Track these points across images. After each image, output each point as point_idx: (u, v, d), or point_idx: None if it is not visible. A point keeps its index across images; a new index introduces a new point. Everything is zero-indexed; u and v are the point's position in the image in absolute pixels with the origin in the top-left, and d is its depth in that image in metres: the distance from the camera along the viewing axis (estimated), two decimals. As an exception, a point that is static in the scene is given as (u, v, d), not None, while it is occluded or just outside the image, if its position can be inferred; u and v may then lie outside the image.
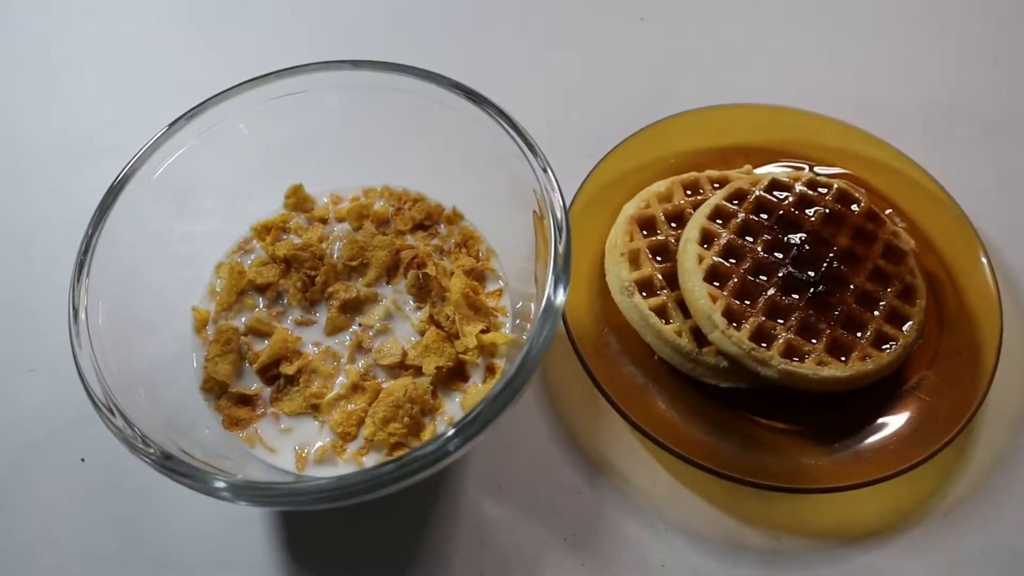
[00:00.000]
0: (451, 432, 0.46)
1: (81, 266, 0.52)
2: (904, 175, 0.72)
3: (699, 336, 0.63)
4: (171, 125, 0.58)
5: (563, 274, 0.50)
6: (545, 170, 0.54)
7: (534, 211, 0.56)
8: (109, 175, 0.57)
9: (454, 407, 0.57)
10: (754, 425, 0.62)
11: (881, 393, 0.63)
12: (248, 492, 0.45)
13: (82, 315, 0.51)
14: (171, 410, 0.55)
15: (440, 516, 0.60)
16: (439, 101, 0.60)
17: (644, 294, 0.65)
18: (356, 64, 0.60)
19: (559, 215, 0.53)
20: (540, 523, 0.60)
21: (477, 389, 0.57)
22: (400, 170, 0.66)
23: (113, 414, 0.48)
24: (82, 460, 0.63)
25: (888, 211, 0.71)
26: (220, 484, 0.45)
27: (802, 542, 0.60)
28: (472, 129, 0.58)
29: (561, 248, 0.51)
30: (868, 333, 0.62)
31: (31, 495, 0.62)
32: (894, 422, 0.62)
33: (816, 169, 0.73)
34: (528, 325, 0.54)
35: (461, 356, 0.58)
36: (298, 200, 0.65)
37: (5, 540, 0.60)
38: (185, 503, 0.59)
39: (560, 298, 0.50)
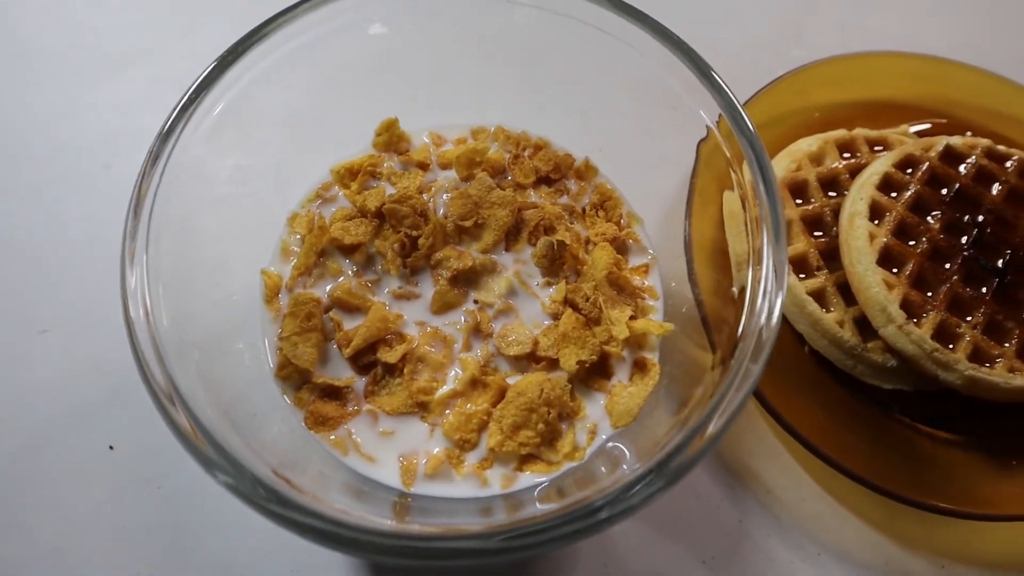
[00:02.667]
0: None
1: (136, 213, 0.37)
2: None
3: (864, 328, 0.50)
4: (244, 37, 0.42)
5: (784, 231, 0.37)
6: (732, 104, 0.40)
7: (700, 141, 0.42)
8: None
9: (597, 411, 0.43)
10: (917, 434, 0.51)
11: (1056, 401, 0.52)
12: (389, 545, 0.31)
13: (132, 277, 0.36)
14: (237, 398, 0.40)
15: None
16: (566, 14, 0.44)
17: (801, 276, 0.51)
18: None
19: (756, 144, 0.39)
20: (673, 543, 0.48)
21: (629, 390, 0.43)
22: (518, 107, 0.50)
23: (174, 404, 0.34)
24: (110, 448, 0.48)
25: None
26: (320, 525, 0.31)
27: (971, 572, 0.49)
28: (614, 51, 0.43)
29: (769, 203, 0.38)
30: (1060, 335, 0.50)
31: (45, 491, 0.47)
32: (1072, 436, 0.51)
33: (968, 135, 0.60)
34: (744, 308, 0.38)
35: (605, 348, 0.44)
36: (391, 138, 0.49)
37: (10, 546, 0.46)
38: (221, 499, 0.45)
39: (778, 315, 0.36)
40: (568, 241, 0.46)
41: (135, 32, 0.64)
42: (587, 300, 0.45)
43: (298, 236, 0.46)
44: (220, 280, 0.44)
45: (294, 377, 0.43)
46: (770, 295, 0.36)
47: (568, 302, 0.45)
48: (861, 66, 0.60)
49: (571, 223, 0.48)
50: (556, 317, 0.45)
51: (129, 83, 0.60)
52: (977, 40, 0.69)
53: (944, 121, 0.61)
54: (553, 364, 0.44)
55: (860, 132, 0.57)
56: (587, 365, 0.43)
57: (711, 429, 0.34)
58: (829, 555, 0.48)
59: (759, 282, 0.37)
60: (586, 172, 0.49)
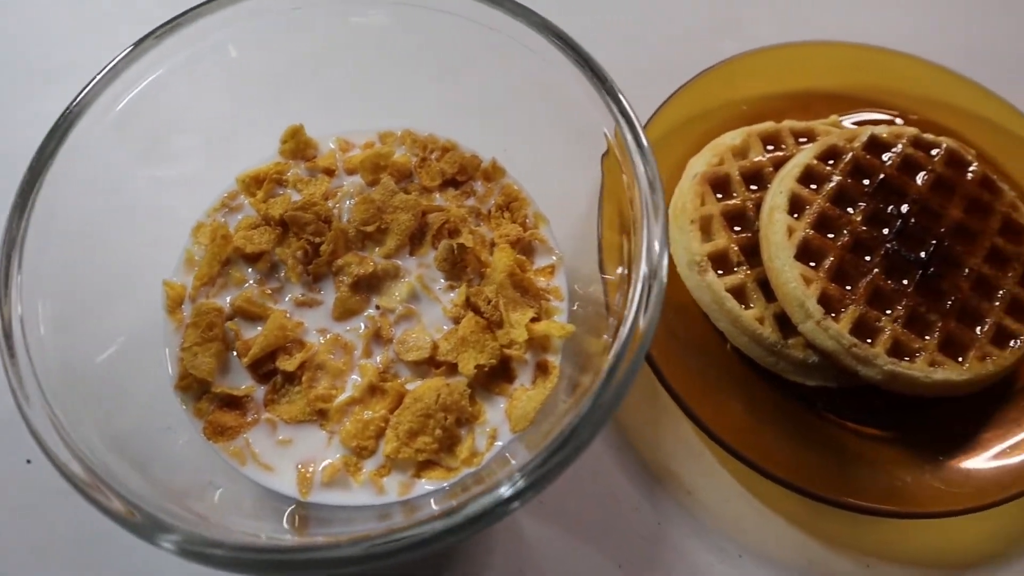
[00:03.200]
0: (519, 484, 0.32)
1: (18, 221, 0.37)
2: (1014, 135, 0.58)
3: (784, 324, 0.49)
4: (138, 44, 0.42)
5: (666, 235, 0.36)
6: (621, 107, 0.39)
7: (603, 154, 0.41)
8: (60, 103, 0.40)
9: (497, 415, 0.43)
10: (842, 431, 0.50)
11: (989, 395, 0.50)
12: (245, 560, 0.31)
13: (13, 286, 0.36)
14: (132, 416, 0.40)
15: (471, 539, 0.47)
16: (474, 19, 0.44)
17: (719, 272, 0.50)
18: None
19: (647, 157, 0.38)
20: (590, 546, 0.47)
21: (527, 393, 0.43)
22: (425, 110, 0.49)
23: (64, 447, 0.34)
24: (28, 462, 0.49)
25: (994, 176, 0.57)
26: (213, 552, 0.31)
27: (898, 571, 0.48)
28: (519, 56, 0.43)
29: (659, 200, 0.37)
30: (986, 327, 0.49)
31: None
32: (1006, 430, 0.49)
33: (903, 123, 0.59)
34: (600, 314, 0.40)
35: (506, 351, 0.43)
36: (297, 145, 0.49)
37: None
38: None
39: (665, 269, 0.36)
40: (471, 244, 0.45)
41: (62, 46, 0.64)
42: (489, 303, 0.44)
43: (200, 247, 0.46)
44: (121, 292, 0.44)
45: (194, 388, 0.43)
46: (656, 247, 0.36)
47: (470, 305, 0.44)
48: (792, 56, 0.59)
49: (476, 225, 0.47)
50: (458, 321, 0.44)
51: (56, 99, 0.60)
52: (915, 28, 0.67)
53: (891, 112, 0.60)
54: (453, 369, 0.43)
55: (787, 124, 0.56)
56: (486, 369, 0.43)
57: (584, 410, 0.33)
58: (750, 556, 0.48)
59: (641, 244, 0.36)
60: (493, 173, 0.49)
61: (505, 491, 0.32)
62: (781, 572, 0.47)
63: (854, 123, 0.59)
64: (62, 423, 0.34)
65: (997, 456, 0.48)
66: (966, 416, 0.50)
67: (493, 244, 0.46)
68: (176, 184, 0.47)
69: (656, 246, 0.36)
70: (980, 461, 0.48)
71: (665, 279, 0.35)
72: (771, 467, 0.46)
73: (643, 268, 0.36)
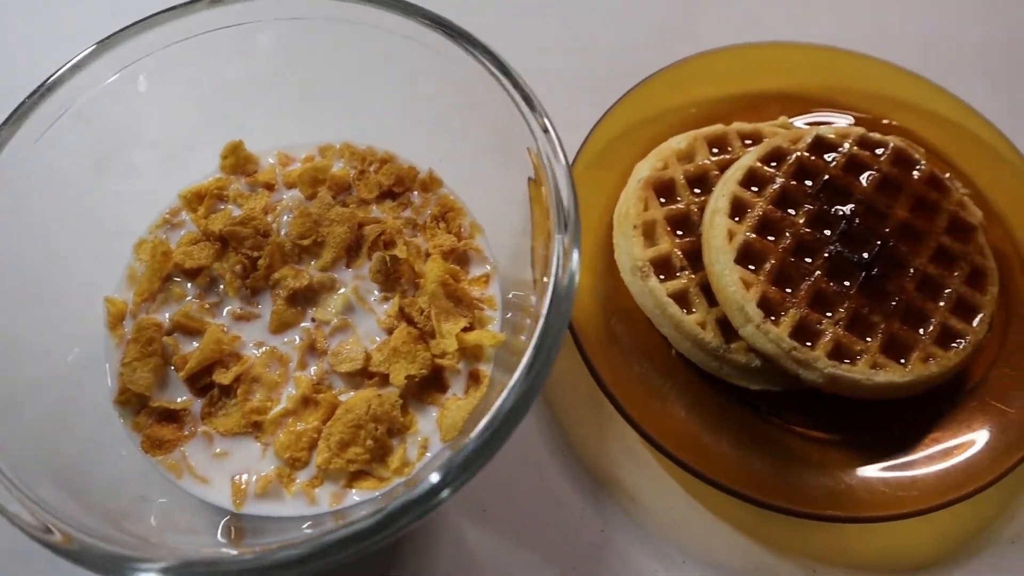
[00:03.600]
0: (435, 483, 0.33)
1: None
2: (966, 129, 0.57)
3: (727, 329, 0.49)
4: (81, 57, 0.43)
5: (574, 248, 0.37)
6: (545, 128, 0.40)
7: (530, 177, 0.41)
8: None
9: (429, 424, 0.43)
10: (788, 435, 0.49)
11: (937, 395, 0.50)
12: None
13: None
14: (72, 432, 0.41)
15: (414, 544, 0.48)
16: (412, 38, 0.44)
17: (661, 276, 0.51)
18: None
19: (562, 177, 0.38)
20: (533, 553, 0.48)
21: (458, 402, 0.43)
22: (365, 123, 0.50)
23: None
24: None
25: (947, 174, 0.57)
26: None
27: (844, 575, 0.48)
28: (452, 74, 0.43)
29: (571, 217, 0.37)
30: (931, 328, 0.48)
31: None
32: (954, 432, 0.49)
33: (862, 123, 0.59)
34: (527, 320, 0.40)
35: (438, 361, 0.44)
36: (237, 161, 0.50)
37: None
38: None
39: (572, 281, 0.36)
40: (405, 255, 0.46)
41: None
42: (422, 313, 0.45)
43: (141, 263, 0.47)
44: (63, 310, 0.45)
45: (133, 402, 0.44)
46: (561, 255, 0.37)
47: (404, 316, 0.45)
48: (742, 58, 0.59)
49: (413, 236, 0.48)
50: (391, 332, 0.45)
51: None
52: (868, 27, 0.67)
53: (844, 112, 0.59)
54: (386, 379, 0.44)
55: (735, 126, 0.56)
56: (417, 379, 0.43)
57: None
58: (695, 563, 0.48)
59: (552, 252, 0.37)
60: (430, 184, 0.49)
61: (420, 489, 0.33)
62: (725, 578, 0.47)
63: (807, 123, 0.59)
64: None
65: (944, 458, 0.48)
66: (914, 418, 0.50)
67: (428, 254, 0.47)
68: (120, 201, 0.48)
69: (561, 254, 0.36)
70: (927, 463, 0.48)
71: (572, 286, 0.36)
72: (714, 474, 0.46)
73: (552, 275, 0.36)
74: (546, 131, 0.40)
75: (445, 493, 0.33)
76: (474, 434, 0.34)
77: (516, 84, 0.41)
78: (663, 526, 0.48)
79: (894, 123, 0.58)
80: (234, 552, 0.40)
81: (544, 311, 0.36)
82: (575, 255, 0.37)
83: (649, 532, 0.48)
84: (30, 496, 0.35)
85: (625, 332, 0.51)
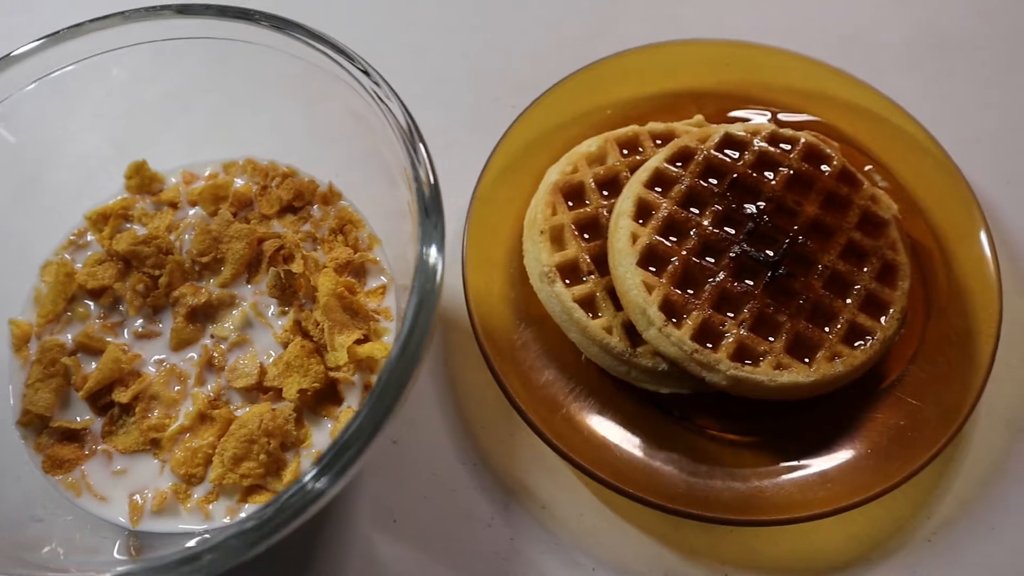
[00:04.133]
0: (306, 480, 0.34)
1: None
2: (886, 122, 0.57)
3: (633, 333, 0.49)
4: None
5: (433, 248, 0.38)
6: (405, 139, 0.40)
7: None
8: None
9: (324, 438, 0.44)
10: (700, 438, 0.49)
11: (854, 394, 0.50)
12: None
13: None
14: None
15: (324, 556, 0.48)
16: (298, 55, 0.45)
17: (567, 281, 0.51)
18: (183, 10, 0.45)
19: (424, 185, 0.40)
20: (443, 563, 0.48)
21: (351, 414, 0.44)
22: (266, 139, 0.51)
23: None
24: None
25: (867, 167, 0.56)
26: None
27: (756, 579, 0.48)
28: (339, 92, 0.44)
29: (428, 190, 0.39)
30: (838, 326, 0.48)
31: None
32: (869, 429, 0.49)
33: (783, 117, 0.58)
34: None
35: (332, 374, 0.44)
36: (142, 180, 0.51)
37: None
38: None
39: (434, 280, 0.38)
40: (301, 269, 0.47)
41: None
42: (317, 326, 0.45)
43: (46, 285, 0.48)
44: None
45: (35, 423, 0.45)
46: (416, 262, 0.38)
47: (300, 330, 0.46)
48: (660, 56, 0.59)
49: (313, 249, 0.49)
50: (287, 346, 0.45)
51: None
52: (790, 22, 0.67)
53: (765, 108, 0.59)
54: (279, 394, 0.45)
55: (648, 127, 0.56)
56: (310, 393, 0.44)
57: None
58: (605, 569, 0.48)
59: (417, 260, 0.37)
60: (331, 198, 0.50)
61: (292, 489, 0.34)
62: (635, 584, 0.47)
63: (732, 121, 0.58)
64: None
65: (856, 458, 0.48)
66: (830, 417, 0.49)
67: (324, 268, 0.48)
68: (27, 223, 0.49)
69: (416, 261, 0.37)
70: (839, 463, 0.48)
71: (431, 293, 0.37)
72: (623, 482, 0.46)
73: (415, 282, 0.37)
74: (409, 143, 0.40)
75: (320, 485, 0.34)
76: (338, 436, 0.35)
77: (381, 98, 0.42)
78: (574, 533, 0.49)
79: (816, 118, 0.58)
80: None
81: (409, 317, 0.37)
82: (437, 261, 0.38)
83: (560, 540, 0.48)
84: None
85: (535, 339, 0.51)
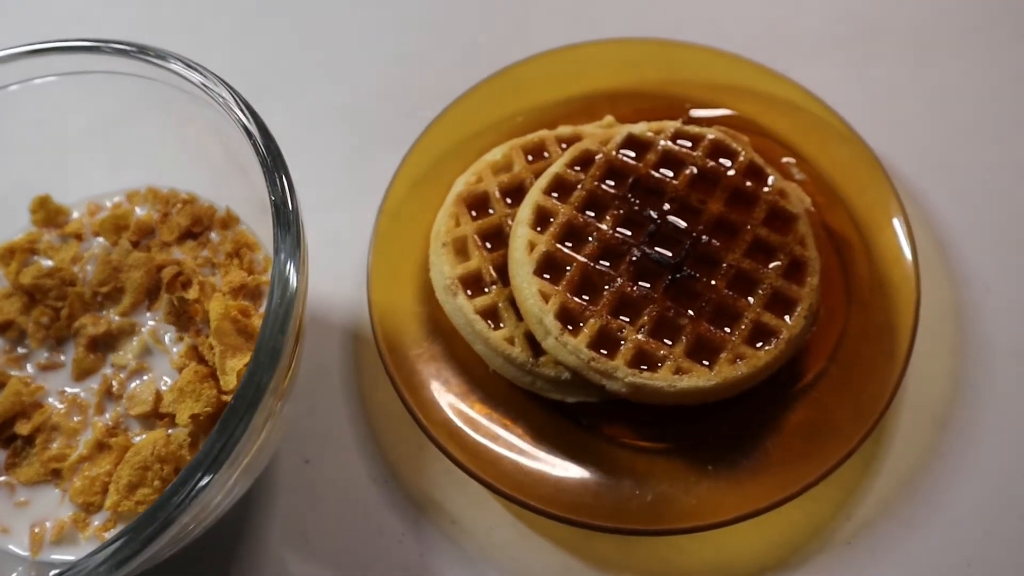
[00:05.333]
0: (168, 499, 0.36)
1: None
2: (805, 112, 0.57)
3: (536, 343, 0.50)
4: None
5: (286, 241, 0.40)
6: (262, 158, 0.42)
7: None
8: None
9: (219, 462, 0.46)
10: (612, 447, 0.50)
11: (768, 396, 0.50)
12: None
13: None
14: None
15: (237, 574, 0.50)
16: (175, 86, 0.47)
17: (469, 293, 0.52)
18: (74, 49, 0.47)
19: (281, 207, 0.41)
20: (354, 581, 0.49)
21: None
22: (166, 168, 0.53)
23: None
24: None
25: (786, 160, 0.56)
26: None
27: (670, 588, 0.48)
28: (210, 114, 0.46)
29: (282, 203, 0.41)
30: (742, 326, 0.48)
31: None
32: (784, 431, 0.49)
33: (698, 114, 0.58)
34: None
35: (224, 398, 0.46)
36: (48, 214, 0.53)
37: None
38: None
39: (286, 293, 0.39)
40: (197, 294, 0.48)
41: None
42: (212, 351, 0.47)
43: (-48, 321, 0.51)
44: None
45: (-61, 457, 0.47)
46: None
47: (196, 355, 0.47)
48: (571, 58, 0.60)
49: (211, 274, 0.50)
50: (182, 371, 0.47)
51: None
52: (707, 17, 0.67)
53: (691, 106, 0.59)
54: (174, 419, 0.46)
55: (556, 132, 0.56)
56: (202, 417, 0.45)
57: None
58: (515, 583, 0.49)
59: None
60: (229, 222, 0.52)
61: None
62: (546, 597, 0.48)
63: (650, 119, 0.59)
64: None
65: (771, 461, 0.48)
66: (746, 421, 0.50)
67: (219, 292, 0.49)
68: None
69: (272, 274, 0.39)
70: (753, 467, 0.48)
71: (287, 308, 0.39)
72: (528, 497, 0.47)
73: (270, 295, 0.39)
74: (257, 152, 0.42)
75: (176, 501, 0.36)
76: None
77: (233, 111, 0.43)
78: (483, 548, 0.49)
79: (733, 112, 0.58)
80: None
81: (265, 329, 0.38)
82: (289, 267, 0.40)
83: (469, 554, 0.49)
84: None
85: (443, 354, 0.52)
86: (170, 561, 0.46)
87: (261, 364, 0.38)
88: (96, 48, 0.47)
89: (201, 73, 0.45)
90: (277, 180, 0.41)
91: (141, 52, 0.46)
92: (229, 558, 0.50)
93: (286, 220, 0.40)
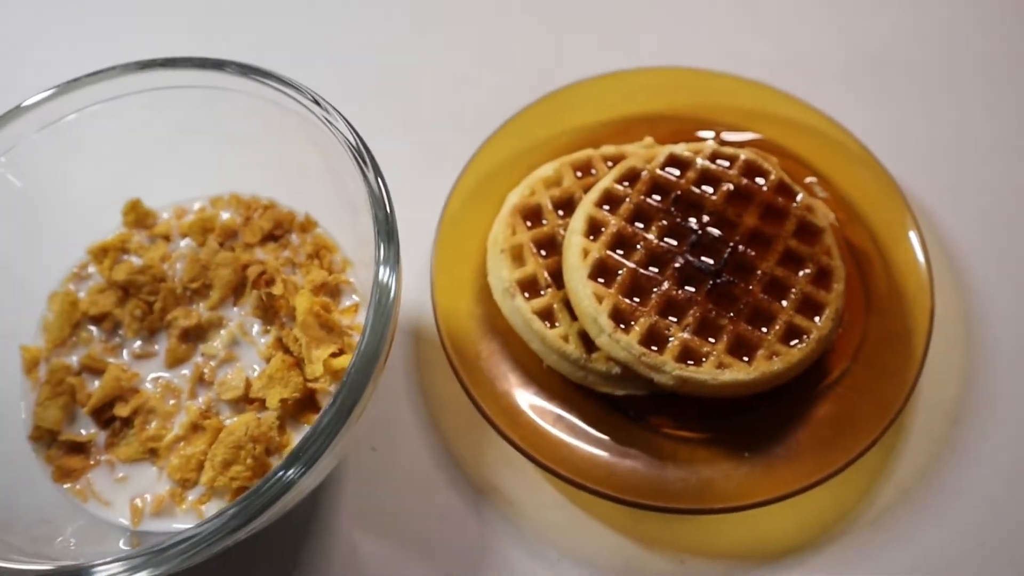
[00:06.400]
0: (277, 472, 0.41)
1: None
2: (827, 137, 0.64)
3: (588, 340, 0.56)
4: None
5: (389, 266, 0.46)
6: (365, 175, 0.48)
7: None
8: None
9: (305, 443, 0.51)
10: (656, 435, 0.56)
11: (798, 392, 0.56)
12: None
13: None
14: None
15: (310, 554, 0.55)
16: (268, 99, 0.53)
17: (527, 295, 0.58)
18: (169, 63, 0.53)
19: (380, 216, 0.47)
20: (420, 559, 0.55)
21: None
22: (248, 175, 0.59)
23: None
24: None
25: (809, 180, 0.63)
26: None
27: (710, 565, 0.54)
28: (303, 126, 0.52)
29: (383, 219, 0.47)
30: (777, 327, 0.55)
31: None
32: (812, 424, 0.55)
33: (729, 137, 0.66)
34: None
35: (310, 384, 0.51)
36: (138, 216, 0.59)
37: None
38: None
39: (388, 296, 0.45)
40: (282, 291, 0.54)
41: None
42: (296, 342, 0.53)
43: (53, 313, 0.56)
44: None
45: (45, 437, 0.53)
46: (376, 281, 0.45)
47: (281, 346, 0.53)
48: (612, 84, 0.67)
49: (292, 273, 0.56)
50: (269, 360, 0.53)
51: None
52: (735, 48, 0.74)
53: (713, 130, 0.67)
54: (264, 404, 0.52)
55: (601, 150, 0.63)
56: (290, 402, 0.51)
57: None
58: (570, 561, 0.54)
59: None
60: (307, 225, 0.58)
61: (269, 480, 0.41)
62: (598, 573, 0.54)
63: (684, 142, 0.66)
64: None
65: (801, 450, 0.54)
66: (778, 414, 0.56)
67: (302, 289, 0.55)
68: (34, 260, 0.57)
69: (374, 281, 0.45)
70: (785, 455, 0.54)
71: (385, 308, 0.44)
72: (583, 478, 0.53)
73: (371, 299, 0.44)
74: (366, 178, 0.48)
75: (291, 475, 0.41)
76: (306, 431, 0.42)
77: (344, 135, 0.49)
78: (540, 528, 0.55)
79: (760, 136, 0.65)
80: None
81: (367, 329, 0.44)
82: (388, 275, 0.45)
83: (526, 534, 0.55)
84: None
85: (500, 351, 0.58)
86: (252, 540, 0.52)
87: (368, 354, 0.43)
88: (219, 65, 0.53)
89: (320, 104, 0.51)
90: (384, 204, 0.47)
91: (265, 75, 0.52)
92: (304, 537, 0.55)
93: (389, 237, 0.46)
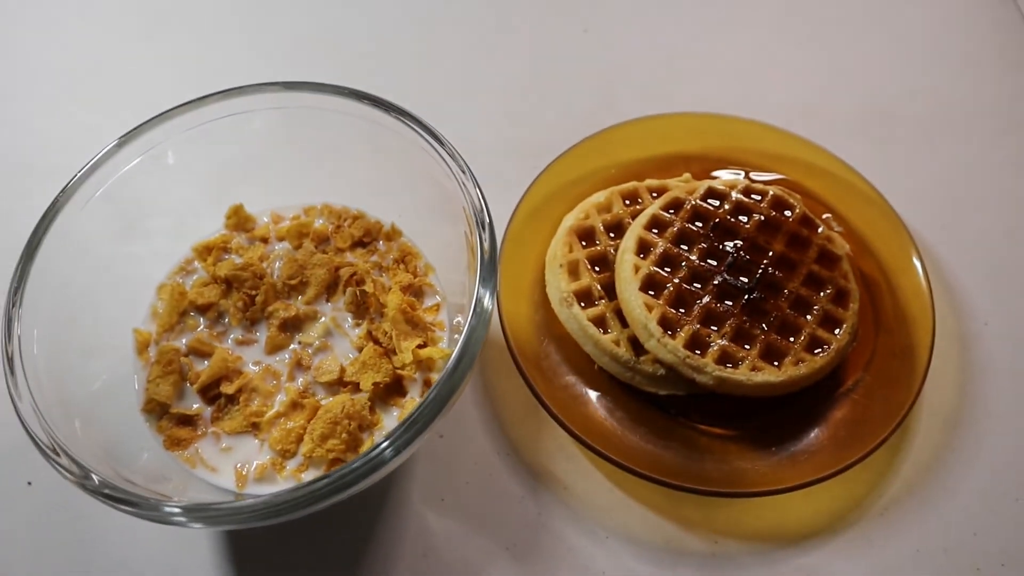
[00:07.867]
0: (383, 444, 0.49)
1: (15, 293, 0.55)
2: (840, 179, 0.76)
3: (637, 345, 0.66)
4: (109, 147, 0.61)
5: (489, 278, 0.54)
6: (472, 192, 0.57)
7: (465, 230, 0.59)
8: (51, 197, 0.59)
9: (392, 422, 0.60)
10: (693, 431, 0.65)
11: (818, 396, 0.66)
12: (192, 513, 0.47)
13: (15, 346, 0.54)
14: (112, 434, 0.58)
15: (385, 527, 0.63)
16: (369, 119, 0.63)
17: (582, 304, 0.68)
18: (288, 85, 0.63)
19: (485, 220, 0.56)
20: (482, 533, 0.63)
21: (415, 404, 0.60)
22: (340, 188, 0.68)
23: (58, 454, 0.50)
24: (28, 484, 0.66)
25: (826, 215, 0.75)
26: (169, 509, 0.48)
27: (740, 545, 0.63)
28: (403, 147, 0.62)
29: (487, 254, 0.55)
30: (802, 338, 0.65)
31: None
32: (830, 424, 0.65)
33: (754, 175, 0.77)
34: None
35: (398, 371, 0.60)
36: (239, 220, 0.68)
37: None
38: (132, 523, 0.61)
39: (487, 303, 0.53)
40: (372, 290, 0.63)
41: (56, 150, 0.85)
42: (386, 335, 0.62)
43: (162, 302, 0.64)
44: (102, 340, 0.62)
45: (157, 410, 0.60)
46: (476, 290, 0.53)
47: (371, 338, 0.62)
48: (654, 126, 0.78)
49: (379, 275, 0.65)
50: (361, 350, 0.62)
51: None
52: (759, 97, 0.87)
53: (740, 168, 0.78)
54: (357, 387, 0.60)
55: (645, 183, 0.74)
56: (381, 385, 0.60)
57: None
58: (616, 538, 0.63)
59: (473, 287, 0.53)
60: (393, 234, 0.67)
61: (369, 455, 0.49)
62: (641, 550, 0.62)
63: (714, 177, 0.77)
64: (57, 437, 0.51)
65: (820, 446, 0.64)
66: (799, 416, 0.66)
67: (390, 290, 0.64)
68: (145, 255, 0.66)
69: (477, 289, 0.53)
70: (806, 450, 0.63)
71: (485, 312, 0.53)
72: (630, 463, 0.62)
73: (473, 304, 0.53)
74: (473, 195, 0.57)
75: (387, 453, 0.49)
76: (407, 415, 0.51)
77: (452, 156, 0.59)
78: (590, 509, 0.64)
79: (783, 176, 0.76)
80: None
81: (465, 331, 0.53)
82: (487, 294, 0.54)
83: (578, 514, 0.64)
84: (91, 470, 0.51)
85: (556, 352, 0.68)
86: (334, 511, 0.60)
87: (468, 353, 0.52)
88: (339, 91, 0.63)
89: (439, 139, 0.60)
90: (487, 233, 0.56)
91: (384, 105, 0.62)
92: (379, 511, 0.63)
93: (490, 264, 0.55)
